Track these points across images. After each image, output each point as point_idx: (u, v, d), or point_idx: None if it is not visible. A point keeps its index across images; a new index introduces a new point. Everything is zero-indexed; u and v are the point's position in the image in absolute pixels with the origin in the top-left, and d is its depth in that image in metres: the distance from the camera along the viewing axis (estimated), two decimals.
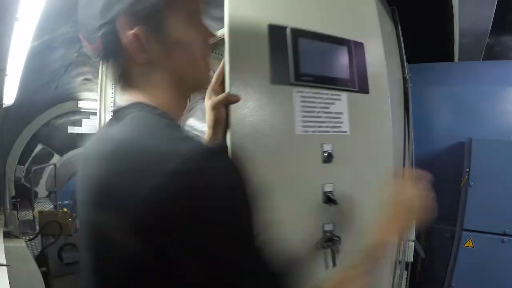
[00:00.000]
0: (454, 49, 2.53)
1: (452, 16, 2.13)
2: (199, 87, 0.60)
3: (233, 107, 0.86)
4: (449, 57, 2.61)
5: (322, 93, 0.94)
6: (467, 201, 1.93)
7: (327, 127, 0.94)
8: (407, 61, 1.58)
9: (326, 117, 0.94)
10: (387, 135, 1.10)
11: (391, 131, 1.12)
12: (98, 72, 2.11)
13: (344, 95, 0.98)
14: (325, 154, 0.92)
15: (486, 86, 2.25)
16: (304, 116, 0.91)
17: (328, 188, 0.93)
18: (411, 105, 1.55)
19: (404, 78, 1.57)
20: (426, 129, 2.14)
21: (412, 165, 1.51)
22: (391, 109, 1.15)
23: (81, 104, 4.49)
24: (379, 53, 1.11)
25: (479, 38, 2.43)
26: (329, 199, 0.92)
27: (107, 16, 0.48)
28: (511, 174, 1.85)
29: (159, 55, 0.51)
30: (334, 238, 0.91)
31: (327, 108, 0.94)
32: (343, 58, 0.99)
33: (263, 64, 0.88)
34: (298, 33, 0.92)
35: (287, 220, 0.86)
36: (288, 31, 0.91)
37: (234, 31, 0.87)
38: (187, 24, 0.53)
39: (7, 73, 1.91)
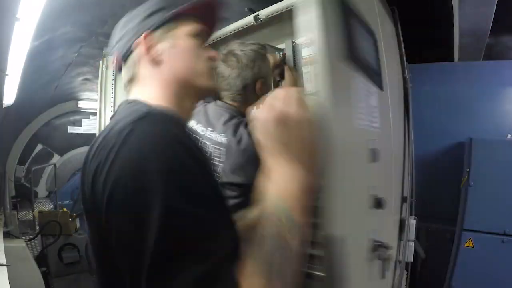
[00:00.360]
0: (454, 49, 2.53)
1: (452, 16, 2.13)
2: (200, 92, 0.64)
3: None
4: (449, 57, 2.61)
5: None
6: (467, 201, 1.93)
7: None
8: (407, 61, 1.58)
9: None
10: (387, 135, 1.10)
11: (391, 130, 1.12)
12: (98, 72, 2.10)
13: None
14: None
15: (486, 86, 2.25)
16: None
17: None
18: (411, 105, 1.55)
19: (404, 78, 1.56)
20: (426, 129, 2.13)
21: (412, 165, 1.51)
22: (391, 109, 1.15)
23: (81, 104, 4.49)
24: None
25: (479, 38, 2.44)
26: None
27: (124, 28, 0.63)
28: (511, 174, 1.85)
29: (162, 56, 0.60)
30: (382, 246, 0.82)
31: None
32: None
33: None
34: None
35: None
36: None
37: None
38: (188, 38, 0.61)
39: (7, 73, 1.91)
